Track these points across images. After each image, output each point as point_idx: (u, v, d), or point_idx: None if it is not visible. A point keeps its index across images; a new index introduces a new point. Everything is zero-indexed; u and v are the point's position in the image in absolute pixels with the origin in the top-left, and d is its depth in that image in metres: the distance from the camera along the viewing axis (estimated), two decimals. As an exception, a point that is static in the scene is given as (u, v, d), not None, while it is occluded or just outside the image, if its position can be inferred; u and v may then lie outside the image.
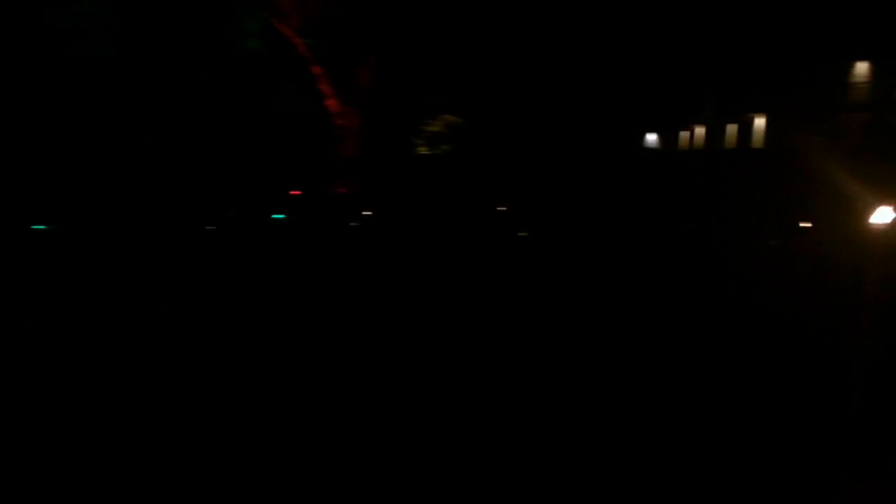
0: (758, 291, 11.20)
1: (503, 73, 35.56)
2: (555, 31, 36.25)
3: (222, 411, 6.22)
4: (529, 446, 5.62)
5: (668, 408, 6.34)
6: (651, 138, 44.08)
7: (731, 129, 37.93)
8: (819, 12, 31.87)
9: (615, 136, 37.59)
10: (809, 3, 32.17)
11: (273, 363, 7.59)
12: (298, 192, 23.89)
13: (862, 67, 33.61)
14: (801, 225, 19.99)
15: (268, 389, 6.77)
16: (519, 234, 20.27)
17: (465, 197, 25.17)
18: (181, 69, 24.61)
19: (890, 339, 6.98)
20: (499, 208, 23.25)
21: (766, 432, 5.78)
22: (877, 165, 20.40)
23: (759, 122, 35.84)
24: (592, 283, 12.69)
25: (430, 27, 29.54)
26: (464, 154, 32.91)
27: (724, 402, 6.48)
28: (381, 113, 31.01)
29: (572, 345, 8.40)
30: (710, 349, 8.19)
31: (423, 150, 34.02)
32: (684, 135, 42.34)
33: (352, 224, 21.74)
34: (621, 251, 16.99)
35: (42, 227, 16.07)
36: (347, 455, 5.44)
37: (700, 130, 40.95)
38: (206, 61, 25.14)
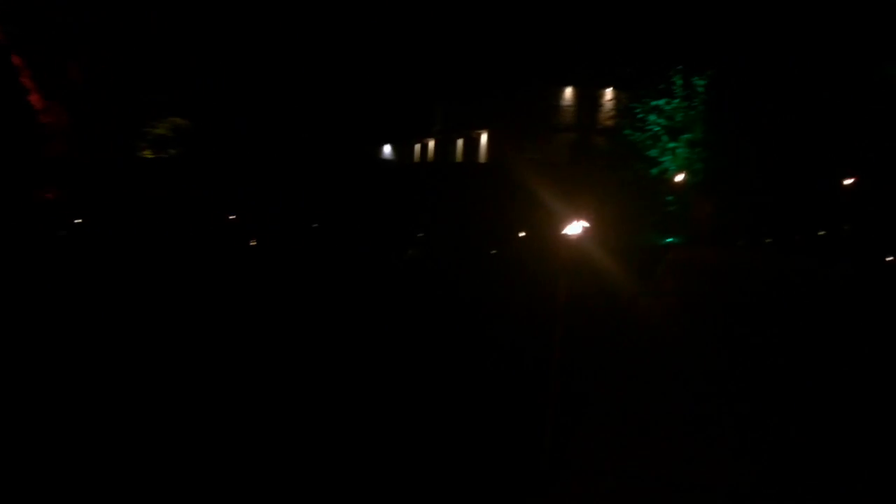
0: (472, 297, 11.77)
1: (238, 77, 34.32)
2: (294, 39, 35.89)
3: None
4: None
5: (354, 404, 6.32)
6: (387, 150, 45.35)
7: (460, 143, 40.26)
8: (531, 41, 35.05)
9: (351, 145, 38.05)
10: (523, 32, 35.29)
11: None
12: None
13: (569, 93, 37.54)
14: (519, 234, 21.64)
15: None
16: (250, 243, 19.59)
17: (193, 204, 23.76)
18: None
19: (578, 341, 7.62)
20: (229, 217, 22.26)
21: (450, 437, 5.85)
22: (579, 180, 22.77)
23: (485, 137, 38.43)
24: (317, 292, 12.52)
25: (153, 22, 27.56)
26: (193, 159, 31.08)
27: (409, 402, 6.53)
28: (98, 112, 28.23)
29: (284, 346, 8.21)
30: (415, 350, 8.34)
31: (147, 154, 31.58)
32: (418, 147, 44.13)
33: (59, 233, 19.50)
34: (355, 261, 17.08)
35: None
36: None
37: (432, 144, 42.95)
38: None
